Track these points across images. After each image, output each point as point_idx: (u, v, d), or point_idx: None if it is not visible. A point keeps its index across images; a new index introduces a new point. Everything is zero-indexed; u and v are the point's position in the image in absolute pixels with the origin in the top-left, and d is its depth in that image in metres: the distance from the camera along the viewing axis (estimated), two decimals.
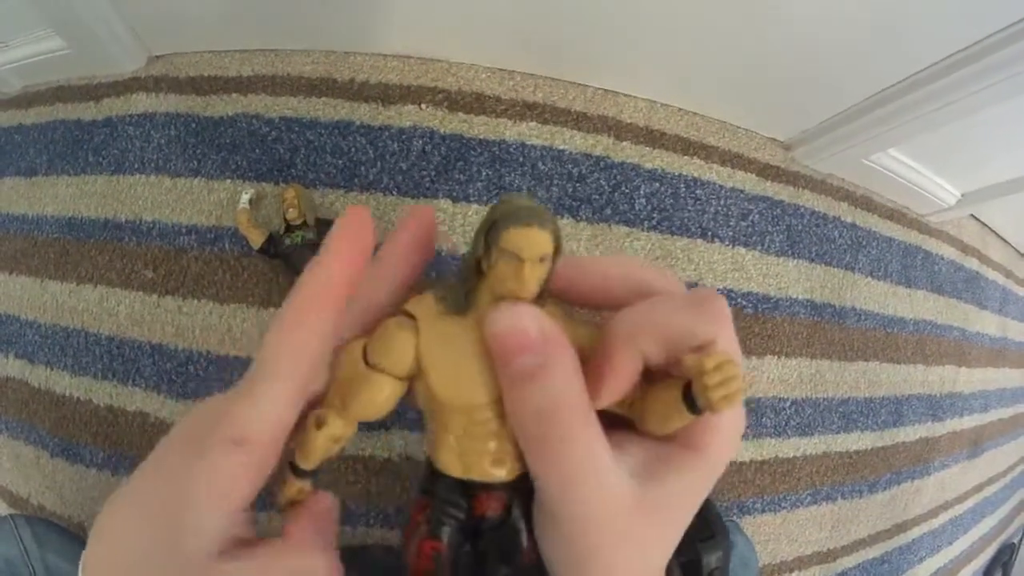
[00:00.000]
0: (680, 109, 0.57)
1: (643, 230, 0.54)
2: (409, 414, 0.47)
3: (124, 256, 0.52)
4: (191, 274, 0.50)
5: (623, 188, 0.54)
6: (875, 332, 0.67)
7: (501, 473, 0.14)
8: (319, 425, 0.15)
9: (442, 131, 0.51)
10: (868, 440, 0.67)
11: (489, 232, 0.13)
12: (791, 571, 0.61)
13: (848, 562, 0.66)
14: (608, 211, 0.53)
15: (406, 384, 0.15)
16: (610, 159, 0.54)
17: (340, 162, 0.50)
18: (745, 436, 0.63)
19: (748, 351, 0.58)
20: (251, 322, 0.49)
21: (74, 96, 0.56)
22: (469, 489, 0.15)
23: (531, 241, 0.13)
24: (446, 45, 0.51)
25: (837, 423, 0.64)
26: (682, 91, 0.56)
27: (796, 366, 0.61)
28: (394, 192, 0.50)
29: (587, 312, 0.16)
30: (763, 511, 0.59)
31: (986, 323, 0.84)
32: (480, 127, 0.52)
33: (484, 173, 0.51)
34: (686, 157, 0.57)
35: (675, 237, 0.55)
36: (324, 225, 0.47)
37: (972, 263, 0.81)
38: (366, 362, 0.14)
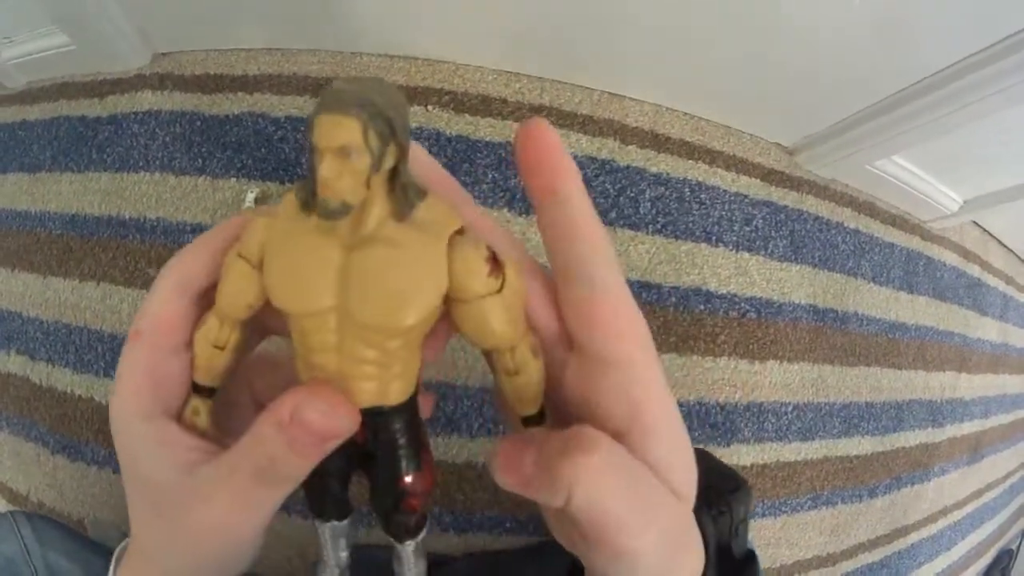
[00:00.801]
0: (685, 113, 0.57)
1: (648, 233, 0.54)
2: None
3: (128, 254, 0.51)
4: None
5: (628, 191, 0.54)
6: (877, 337, 0.67)
7: (352, 395, 0.13)
8: (199, 326, 0.15)
9: (448, 132, 0.51)
10: (869, 445, 0.67)
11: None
12: (791, 575, 0.61)
13: (848, 566, 0.66)
14: (613, 214, 0.53)
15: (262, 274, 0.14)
16: (616, 162, 0.54)
17: None
18: (747, 440, 0.63)
19: (751, 355, 0.58)
20: None
21: (78, 93, 0.56)
22: None
23: (327, 128, 0.11)
24: (453, 47, 0.51)
25: (838, 428, 0.64)
26: (688, 95, 0.56)
27: (798, 371, 0.61)
28: None
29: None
30: (764, 515, 0.59)
31: (987, 329, 0.84)
32: (486, 129, 0.52)
33: (490, 175, 0.51)
34: (691, 161, 0.57)
35: (679, 241, 0.55)
36: None
37: (974, 269, 0.81)
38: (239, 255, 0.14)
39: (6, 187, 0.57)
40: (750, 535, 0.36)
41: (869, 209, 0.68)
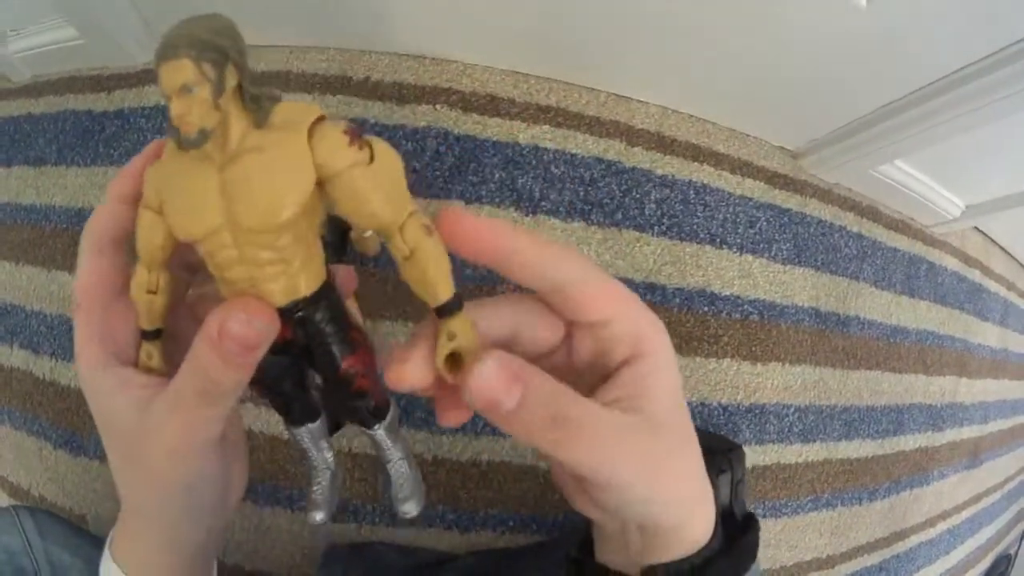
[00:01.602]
0: (691, 116, 0.57)
1: (653, 235, 0.54)
2: (416, 412, 0.47)
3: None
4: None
5: (634, 193, 0.54)
6: (878, 341, 0.68)
7: (266, 299, 0.14)
8: (132, 279, 0.16)
9: (456, 132, 0.51)
10: (869, 448, 0.67)
11: None
12: None
13: (846, 569, 0.66)
14: (619, 215, 0.54)
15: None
16: (622, 164, 0.54)
17: None
18: (748, 441, 0.63)
19: (754, 357, 0.58)
20: None
21: (85, 87, 0.56)
22: None
23: (164, 75, 0.13)
24: (462, 46, 0.51)
25: (839, 430, 0.64)
26: (694, 98, 0.56)
27: (800, 373, 0.61)
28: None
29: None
30: (764, 516, 0.59)
31: (987, 334, 0.84)
32: (494, 129, 0.52)
33: (497, 175, 0.51)
34: (696, 164, 0.57)
35: (684, 243, 0.56)
36: (334, 223, 0.47)
37: (975, 275, 0.81)
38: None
39: (11, 180, 0.57)
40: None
41: (872, 213, 0.68)
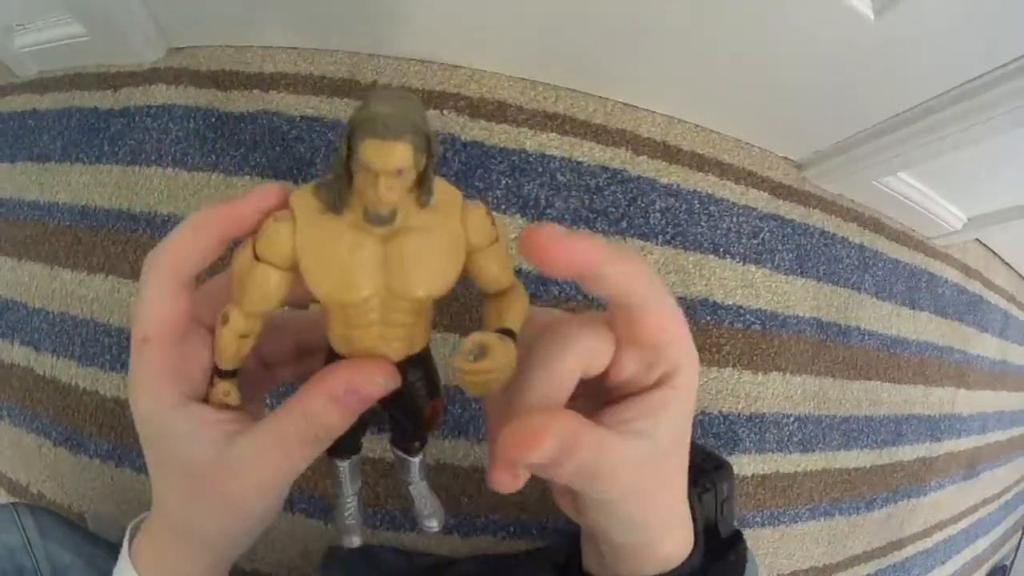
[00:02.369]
0: (697, 125, 0.58)
1: (657, 244, 0.55)
2: None
3: (137, 248, 0.51)
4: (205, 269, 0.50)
5: (639, 202, 0.54)
6: (878, 352, 0.68)
7: (388, 355, 0.16)
8: (224, 321, 0.16)
9: (463, 138, 0.51)
10: (867, 458, 0.67)
11: (351, 137, 0.13)
12: None
13: None
14: (624, 224, 0.54)
15: (293, 274, 0.15)
16: (627, 172, 0.54)
17: None
18: (748, 450, 0.63)
19: (755, 367, 0.58)
20: None
21: (91, 84, 0.56)
22: None
23: (384, 155, 0.13)
24: (470, 52, 0.51)
25: (838, 440, 0.65)
26: (700, 108, 0.56)
27: (801, 383, 0.61)
28: None
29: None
30: (762, 525, 0.59)
31: (987, 346, 0.85)
32: (501, 135, 0.52)
33: (504, 182, 0.51)
34: (701, 173, 0.57)
35: (688, 252, 0.56)
36: None
37: (975, 286, 0.81)
38: (256, 257, 0.15)
39: (15, 176, 0.57)
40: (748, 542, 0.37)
41: (874, 225, 0.68)
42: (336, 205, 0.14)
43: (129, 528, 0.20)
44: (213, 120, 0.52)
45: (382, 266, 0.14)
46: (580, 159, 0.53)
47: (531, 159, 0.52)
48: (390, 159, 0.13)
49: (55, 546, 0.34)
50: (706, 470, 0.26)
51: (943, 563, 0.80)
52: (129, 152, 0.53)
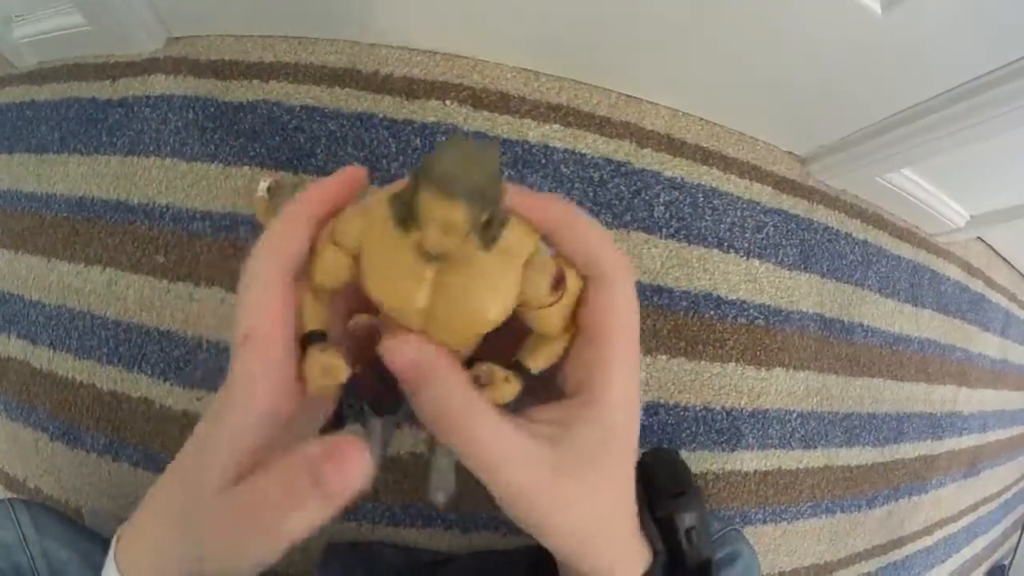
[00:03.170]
0: (701, 119, 0.57)
1: (661, 237, 0.54)
2: None
3: (135, 239, 0.51)
4: (203, 261, 0.50)
5: (643, 195, 0.54)
6: (881, 349, 0.68)
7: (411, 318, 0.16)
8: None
9: (466, 128, 0.50)
10: (869, 455, 0.67)
11: (417, 176, 0.13)
12: None
13: (844, 575, 0.66)
14: (628, 217, 0.53)
15: (355, 263, 0.16)
16: (631, 165, 0.54)
17: (361, 154, 0.50)
18: (751, 447, 0.63)
19: (758, 362, 0.58)
20: None
21: (90, 74, 0.55)
22: None
23: (436, 210, 0.13)
24: (473, 43, 0.51)
25: (840, 437, 0.64)
26: (704, 101, 0.56)
27: (804, 379, 0.61)
28: None
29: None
30: (764, 522, 0.59)
31: (988, 344, 0.84)
32: (504, 126, 0.51)
33: (506, 173, 0.51)
34: (705, 167, 0.57)
35: (692, 246, 0.55)
36: None
37: (977, 285, 0.81)
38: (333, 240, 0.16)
39: (12, 167, 0.56)
40: (751, 541, 0.37)
41: (877, 221, 0.68)
42: (406, 221, 0.14)
43: (117, 533, 0.19)
44: (212, 110, 0.51)
45: (431, 290, 0.15)
46: (583, 151, 0.53)
47: (534, 151, 0.52)
48: (441, 212, 0.13)
49: (51, 542, 0.34)
50: (665, 496, 0.24)
51: (943, 561, 0.80)
52: (127, 143, 0.52)
